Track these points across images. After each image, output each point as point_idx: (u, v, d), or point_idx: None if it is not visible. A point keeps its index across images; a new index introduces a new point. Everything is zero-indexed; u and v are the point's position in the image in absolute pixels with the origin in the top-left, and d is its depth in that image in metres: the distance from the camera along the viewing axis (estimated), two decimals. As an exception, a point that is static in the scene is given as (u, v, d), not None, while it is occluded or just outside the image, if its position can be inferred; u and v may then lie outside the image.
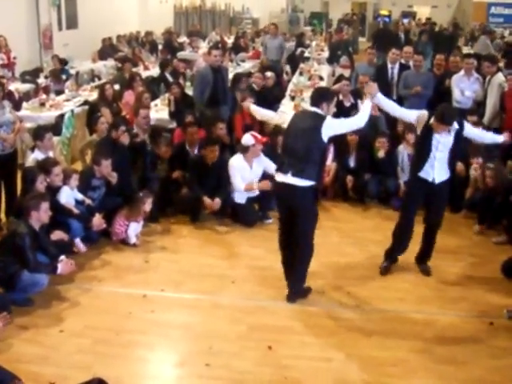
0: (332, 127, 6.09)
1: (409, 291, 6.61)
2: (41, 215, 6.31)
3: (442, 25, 27.01)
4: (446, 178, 6.73)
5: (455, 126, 6.47)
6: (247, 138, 8.33)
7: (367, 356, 5.48)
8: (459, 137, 6.55)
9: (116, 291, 6.57)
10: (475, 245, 7.87)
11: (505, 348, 5.67)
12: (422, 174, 6.66)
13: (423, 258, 7.18)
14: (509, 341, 5.77)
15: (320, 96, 6.36)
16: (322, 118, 6.06)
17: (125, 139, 8.38)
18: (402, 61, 11.23)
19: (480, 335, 5.88)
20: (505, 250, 7.47)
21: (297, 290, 6.45)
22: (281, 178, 6.20)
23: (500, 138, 7.09)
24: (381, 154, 8.98)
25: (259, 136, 8.38)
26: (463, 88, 10.01)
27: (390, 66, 10.93)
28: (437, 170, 6.62)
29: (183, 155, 8.82)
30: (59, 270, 6.32)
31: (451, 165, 6.76)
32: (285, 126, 6.52)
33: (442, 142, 6.51)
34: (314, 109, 6.25)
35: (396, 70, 10.87)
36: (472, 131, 6.81)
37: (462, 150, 6.94)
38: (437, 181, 6.65)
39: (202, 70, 10.27)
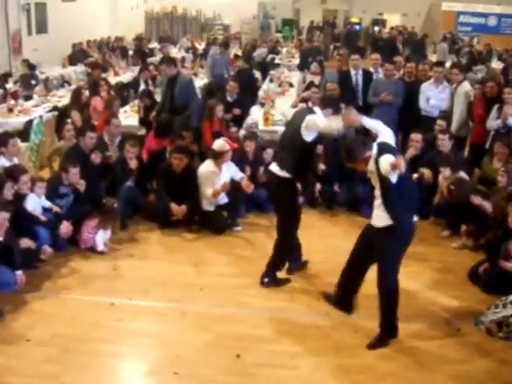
0: (308, 123, 6.26)
1: (376, 298, 6.61)
2: None
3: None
4: (384, 224, 5.53)
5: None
6: (221, 144, 8.36)
7: (335, 364, 5.49)
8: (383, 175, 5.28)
9: (83, 299, 6.52)
10: (442, 251, 7.94)
11: (471, 354, 5.72)
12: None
13: None
14: (475, 347, 5.82)
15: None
16: (307, 114, 6.37)
17: (96, 159, 8.33)
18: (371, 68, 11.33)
19: (447, 342, 5.92)
20: (471, 257, 7.55)
21: (266, 274, 6.81)
22: (270, 167, 6.69)
23: None
24: None
25: (231, 143, 8.46)
26: (430, 96, 10.13)
27: (353, 72, 10.90)
28: (374, 211, 5.65)
29: (159, 162, 8.85)
30: None
31: (388, 210, 5.47)
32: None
33: (374, 178, 5.54)
34: (316, 108, 6.56)
35: (360, 77, 10.85)
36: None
37: (393, 194, 5.39)
38: (372, 222, 5.71)
39: (161, 79, 10.34)
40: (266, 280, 6.81)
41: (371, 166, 5.40)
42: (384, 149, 5.35)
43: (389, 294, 5.74)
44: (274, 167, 6.57)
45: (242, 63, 15.02)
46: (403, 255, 5.68)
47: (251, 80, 14.31)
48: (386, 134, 5.67)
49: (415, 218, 5.64)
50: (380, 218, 5.54)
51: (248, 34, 29.50)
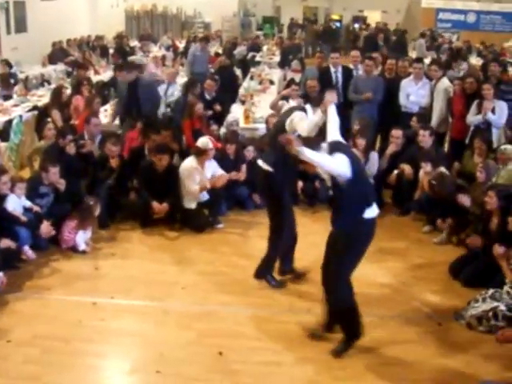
0: (292, 120, 6.26)
1: (358, 294, 6.62)
2: None
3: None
4: (337, 226, 5.58)
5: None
6: (206, 142, 8.37)
7: (317, 360, 5.50)
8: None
9: (65, 299, 6.49)
10: (423, 246, 7.98)
11: (452, 348, 5.76)
12: None
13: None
14: (456, 341, 5.87)
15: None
16: (295, 110, 6.39)
17: (71, 149, 8.32)
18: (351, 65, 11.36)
19: (428, 336, 5.96)
20: (452, 251, 7.61)
21: (260, 269, 6.78)
22: (258, 160, 6.71)
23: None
24: None
25: (214, 141, 8.49)
26: (410, 92, 10.16)
27: (332, 69, 10.96)
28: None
29: (139, 159, 8.83)
30: None
31: (338, 210, 5.57)
32: None
33: (328, 179, 5.53)
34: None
35: (339, 74, 10.91)
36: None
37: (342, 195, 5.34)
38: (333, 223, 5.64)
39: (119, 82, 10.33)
40: (260, 276, 6.84)
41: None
42: (335, 148, 5.27)
43: (335, 300, 5.61)
44: (260, 161, 6.61)
45: (224, 59, 15.01)
46: (359, 256, 5.51)
47: (232, 77, 14.31)
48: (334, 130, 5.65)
49: (374, 213, 5.40)
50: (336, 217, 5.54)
51: (229, 31, 29.48)
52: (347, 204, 5.35)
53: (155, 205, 8.23)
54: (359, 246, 5.49)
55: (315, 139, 5.55)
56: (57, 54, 18.91)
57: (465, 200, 7.68)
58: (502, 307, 5.91)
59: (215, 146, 8.43)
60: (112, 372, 5.40)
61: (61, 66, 17.33)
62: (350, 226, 5.41)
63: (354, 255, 5.51)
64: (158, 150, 8.42)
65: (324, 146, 5.31)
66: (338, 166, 5.11)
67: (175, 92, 11.48)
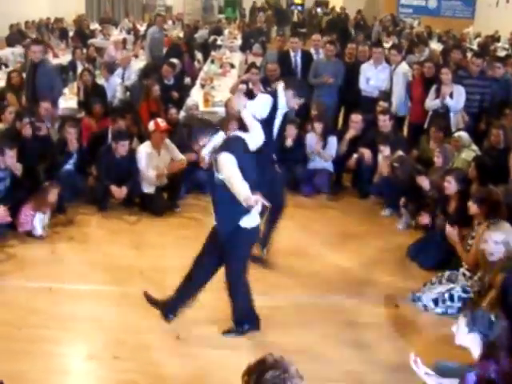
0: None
1: (316, 276, 6.69)
2: None
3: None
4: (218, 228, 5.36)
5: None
6: (150, 124, 8.37)
7: (272, 343, 5.46)
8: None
9: (21, 285, 6.40)
10: (382, 230, 8.04)
11: (409, 329, 5.84)
12: None
13: None
14: (413, 323, 5.95)
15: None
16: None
17: (27, 131, 8.19)
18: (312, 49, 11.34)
19: (385, 318, 6.02)
20: (411, 235, 7.68)
21: None
22: None
23: None
24: (288, 142, 8.98)
25: (161, 123, 8.35)
26: (369, 76, 10.19)
27: (292, 53, 10.90)
28: None
29: (100, 146, 8.73)
30: None
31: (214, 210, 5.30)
32: None
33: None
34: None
35: (299, 58, 10.84)
36: None
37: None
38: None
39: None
40: None
41: (209, 156, 5.09)
42: (229, 145, 5.02)
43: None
44: None
45: (172, 38, 14.93)
46: (243, 260, 5.50)
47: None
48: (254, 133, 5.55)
49: (253, 223, 5.24)
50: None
51: (190, 14, 29.27)
52: (223, 205, 5.14)
53: (114, 189, 8.17)
54: (238, 252, 5.39)
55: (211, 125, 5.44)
56: (14, 36, 18.59)
57: (424, 182, 7.72)
58: (458, 288, 6.00)
59: (159, 128, 8.27)
60: (69, 358, 5.35)
61: (19, 49, 17.00)
62: (227, 231, 5.24)
63: (237, 260, 5.43)
64: (119, 137, 8.34)
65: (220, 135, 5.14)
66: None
67: (132, 76, 11.39)
